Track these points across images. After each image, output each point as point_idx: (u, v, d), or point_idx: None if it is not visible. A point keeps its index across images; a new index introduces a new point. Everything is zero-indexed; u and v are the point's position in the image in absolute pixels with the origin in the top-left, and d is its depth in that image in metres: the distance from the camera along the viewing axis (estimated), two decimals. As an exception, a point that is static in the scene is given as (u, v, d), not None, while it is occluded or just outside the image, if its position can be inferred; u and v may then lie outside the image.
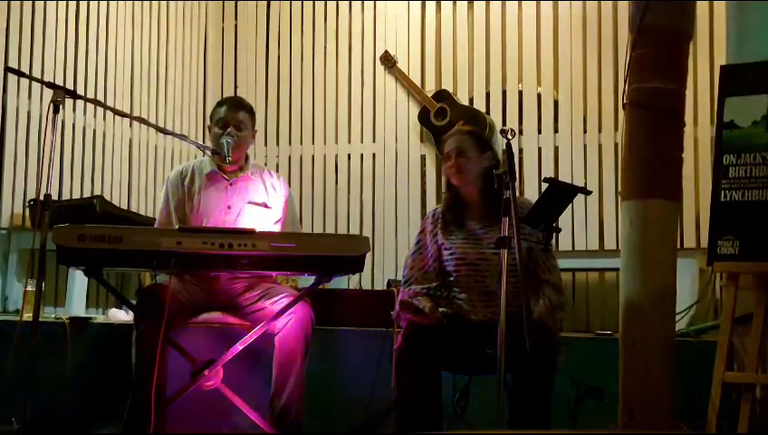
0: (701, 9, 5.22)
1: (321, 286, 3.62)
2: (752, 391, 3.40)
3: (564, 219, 5.37)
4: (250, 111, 4.05)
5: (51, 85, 3.44)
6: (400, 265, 5.80)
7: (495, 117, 5.94)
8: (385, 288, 5.05)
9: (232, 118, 3.94)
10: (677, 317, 3.85)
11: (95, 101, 4.48)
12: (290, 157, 6.51)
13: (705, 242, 4.06)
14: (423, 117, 6.13)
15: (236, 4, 6.72)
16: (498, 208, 3.01)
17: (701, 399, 3.47)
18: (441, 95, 6.10)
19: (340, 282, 5.37)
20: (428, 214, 3.70)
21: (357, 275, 5.38)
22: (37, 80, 3.96)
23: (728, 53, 4.58)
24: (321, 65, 6.50)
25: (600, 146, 5.73)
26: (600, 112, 5.75)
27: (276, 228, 3.97)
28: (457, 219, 3.55)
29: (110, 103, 5.53)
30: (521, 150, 5.87)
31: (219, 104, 4.07)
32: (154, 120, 6.11)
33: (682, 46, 3.72)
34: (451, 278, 3.50)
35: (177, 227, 3.73)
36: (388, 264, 6.13)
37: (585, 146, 5.78)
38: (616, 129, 5.60)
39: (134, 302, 3.69)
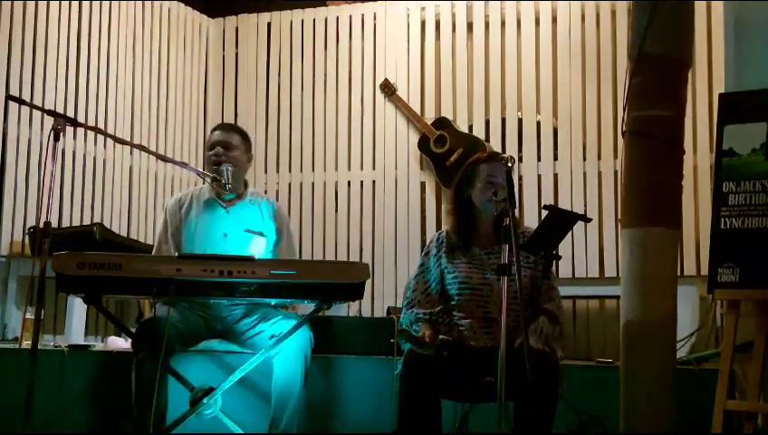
0: (700, 37, 5.24)
1: (320, 313, 3.61)
2: (753, 419, 3.38)
3: (564, 247, 5.36)
4: (242, 135, 4.09)
5: (51, 113, 3.45)
6: (400, 292, 5.82)
7: (495, 144, 5.94)
8: (385, 316, 5.03)
9: (222, 140, 3.97)
10: (678, 345, 3.84)
11: (95, 129, 4.49)
12: (290, 184, 6.50)
13: (705, 269, 4.06)
14: (423, 144, 6.13)
15: (237, 32, 6.75)
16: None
17: (702, 427, 3.46)
18: (441, 123, 6.11)
19: (340, 309, 5.35)
20: (433, 237, 3.70)
21: (357, 302, 5.37)
22: (38, 108, 3.96)
23: (727, 81, 4.61)
24: (322, 93, 6.51)
25: (599, 173, 5.72)
26: (600, 140, 5.75)
27: (271, 256, 3.97)
28: (465, 242, 3.54)
29: (110, 131, 5.54)
30: (520, 178, 5.85)
31: (213, 129, 4.16)
32: (154, 148, 6.11)
33: (681, 74, 3.73)
34: (453, 302, 3.49)
35: (174, 254, 3.73)
36: (387, 291, 6.10)
37: (585, 173, 5.77)
38: (615, 156, 5.59)
39: (133, 330, 3.67)
